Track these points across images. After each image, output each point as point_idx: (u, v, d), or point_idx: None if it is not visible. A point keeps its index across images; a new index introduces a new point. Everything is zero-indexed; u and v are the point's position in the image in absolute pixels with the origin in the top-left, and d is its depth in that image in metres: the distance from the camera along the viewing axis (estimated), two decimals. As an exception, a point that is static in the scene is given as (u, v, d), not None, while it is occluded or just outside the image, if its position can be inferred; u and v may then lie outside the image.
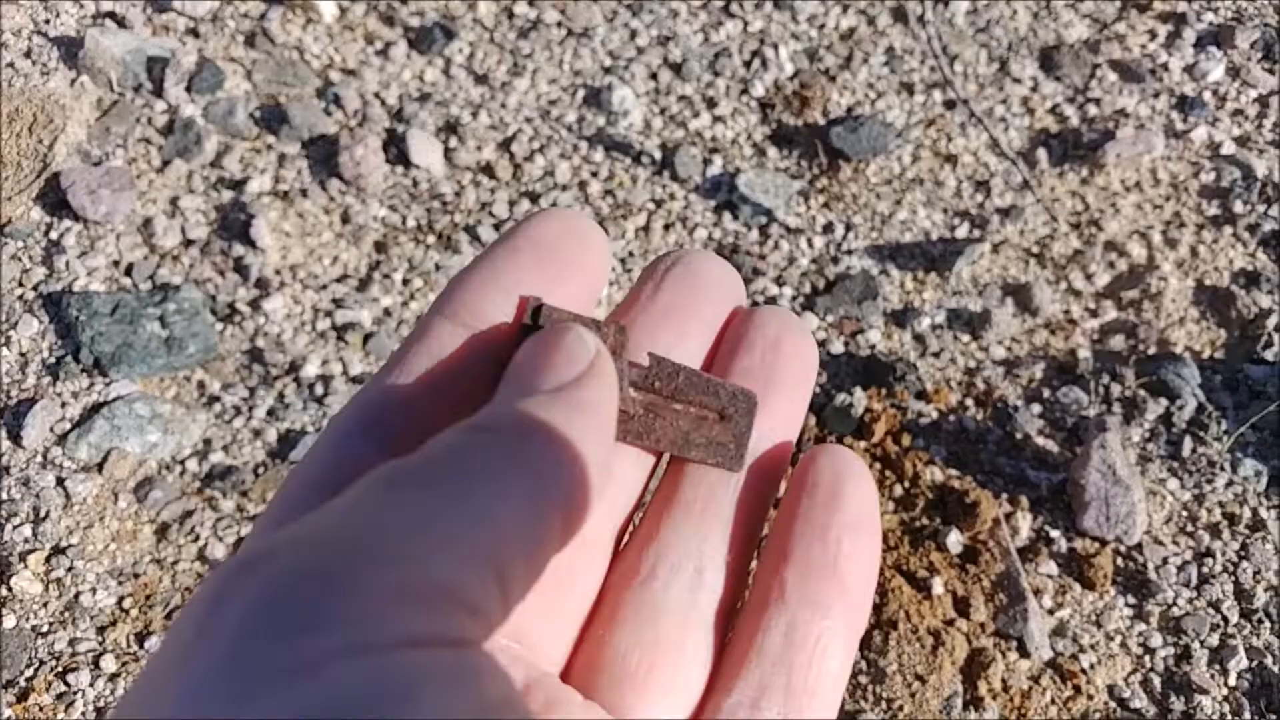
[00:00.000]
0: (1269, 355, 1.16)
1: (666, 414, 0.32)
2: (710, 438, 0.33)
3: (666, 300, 0.33)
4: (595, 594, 0.32)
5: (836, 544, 0.31)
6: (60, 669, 0.90)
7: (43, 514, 0.97)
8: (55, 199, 1.14)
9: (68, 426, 1.02)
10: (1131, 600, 1.01)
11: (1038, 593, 1.00)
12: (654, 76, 1.30)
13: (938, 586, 0.98)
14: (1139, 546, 1.04)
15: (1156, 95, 1.34)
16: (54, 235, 1.12)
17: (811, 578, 0.31)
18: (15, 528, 0.96)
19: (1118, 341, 1.17)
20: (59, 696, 0.89)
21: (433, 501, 0.24)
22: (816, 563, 0.31)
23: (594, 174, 1.22)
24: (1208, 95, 1.35)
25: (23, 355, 1.05)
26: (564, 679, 0.31)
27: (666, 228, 1.19)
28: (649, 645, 0.31)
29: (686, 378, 0.33)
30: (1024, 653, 0.97)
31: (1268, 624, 1.00)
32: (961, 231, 1.22)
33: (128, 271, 1.11)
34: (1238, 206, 1.26)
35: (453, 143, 1.22)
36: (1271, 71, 1.37)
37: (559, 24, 1.34)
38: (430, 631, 0.22)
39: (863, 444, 1.07)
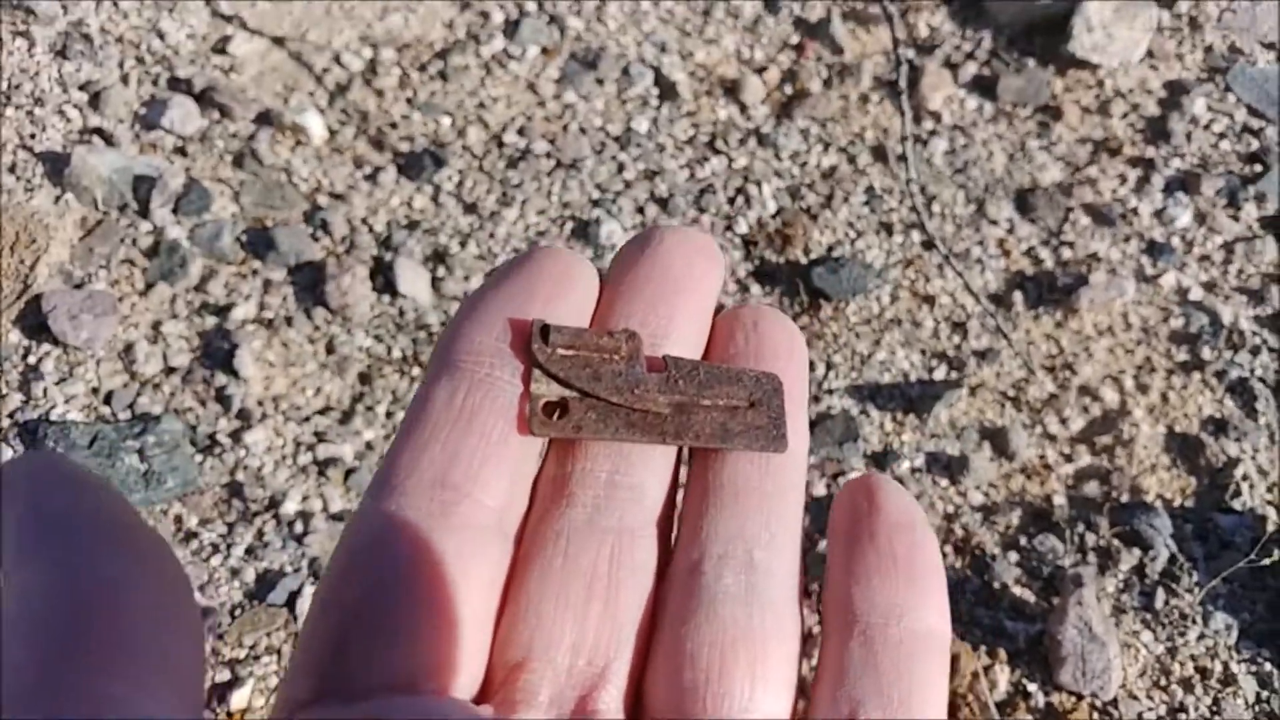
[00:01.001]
0: (1237, 505, 1.18)
1: (698, 410, 0.32)
2: (748, 424, 0.33)
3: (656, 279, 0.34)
4: (648, 602, 0.31)
5: (890, 546, 0.31)
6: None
7: None
8: (35, 322, 1.13)
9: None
10: (1108, 759, 1.01)
11: (1016, 751, 1.01)
12: (640, 210, 1.32)
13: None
14: (1114, 701, 1.04)
15: (1127, 239, 1.38)
16: (32, 360, 1.11)
17: (874, 584, 0.30)
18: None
19: (1092, 488, 1.18)
20: None
21: None
22: (874, 569, 0.31)
23: (579, 308, 1.23)
24: (1176, 240, 1.39)
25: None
26: (638, 690, 0.30)
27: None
28: (715, 641, 0.30)
29: (707, 372, 0.33)
30: (1003, 814, 0.97)
31: (1241, 785, 1.01)
32: (939, 373, 1.24)
33: (107, 400, 1.09)
34: (1205, 352, 1.29)
35: (440, 272, 1.23)
36: (1236, 218, 1.41)
37: (548, 154, 1.35)
38: None
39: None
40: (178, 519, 1.04)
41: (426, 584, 0.29)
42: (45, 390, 1.09)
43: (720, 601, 0.30)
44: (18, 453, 1.05)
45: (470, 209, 1.29)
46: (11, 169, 1.23)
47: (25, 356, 1.11)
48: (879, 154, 1.41)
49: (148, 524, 0.23)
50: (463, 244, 1.26)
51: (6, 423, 1.07)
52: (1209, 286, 1.35)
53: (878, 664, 0.29)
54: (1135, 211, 1.41)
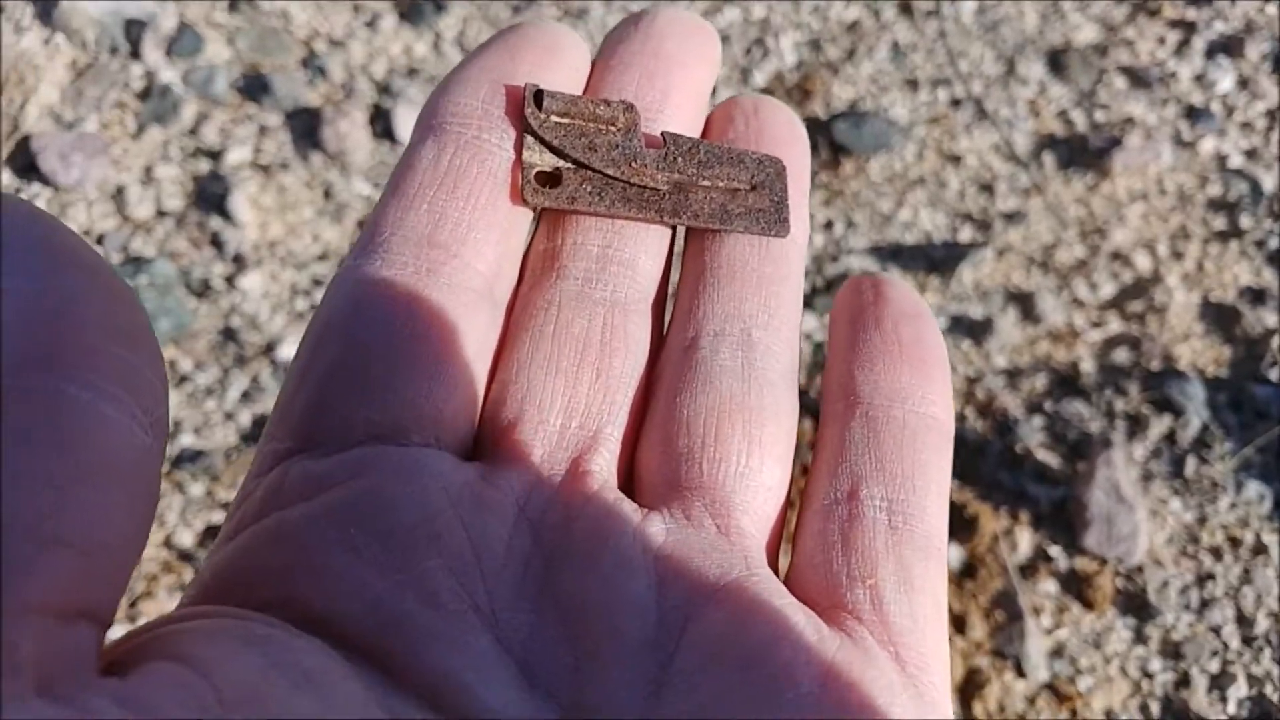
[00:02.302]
0: (1273, 375, 1.13)
1: (697, 190, 0.31)
2: (749, 206, 0.31)
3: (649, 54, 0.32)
4: (641, 377, 0.30)
5: (894, 331, 0.30)
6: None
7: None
8: (25, 163, 1.08)
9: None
10: (1131, 622, 0.98)
11: (1036, 612, 0.97)
12: (654, 61, 1.26)
13: (935, 602, 0.95)
14: (1139, 568, 1.01)
15: (1165, 103, 1.31)
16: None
17: (878, 368, 0.30)
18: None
19: (1122, 355, 1.14)
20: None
21: None
22: (879, 353, 0.30)
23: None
24: (1216, 106, 1.32)
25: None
26: (631, 461, 0.29)
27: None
28: (712, 409, 0.29)
29: (707, 151, 0.31)
30: (1020, 673, 0.94)
31: (1268, 651, 0.97)
32: (965, 234, 1.19)
33: (99, 242, 1.05)
34: (1245, 221, 1.23)
35: (443, 121, 1.17)
36: (1281, 85, 1.34)
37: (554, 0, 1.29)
38: None
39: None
40: (171, 362, 1.00)
41: (413, 339, 0.27)
42: (32, 231, 1.05)
43: (717, 375, 0.29)
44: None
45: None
46: (0, 10, 1.18)
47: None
48: (904, 8, 1.34)
49: (93, 249, 0.22)
50: (468, 93, 1.20)
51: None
52: (1250, 154, 1.29)
53: (880, 442, 0.29)
54: (1174, 75, 1.34)
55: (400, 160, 0.30)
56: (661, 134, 0.31)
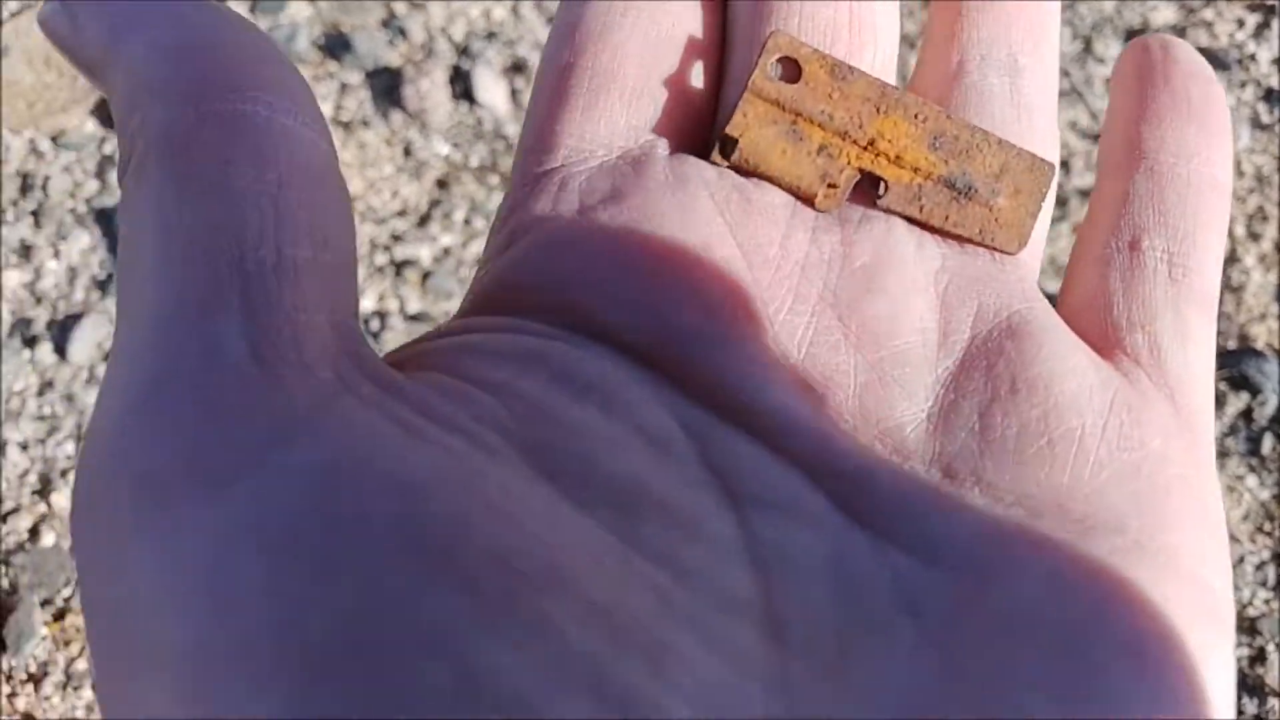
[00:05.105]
0: (1352, 357, 1.12)
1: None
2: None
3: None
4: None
5: (1184, 90, 0.28)
6: (97, 593, 0.87)
7: (88, 431, 0.93)
8: (107, 114, 1.10)
9: (114, 345, 0.98)
10: (1207, 596, 0.97)
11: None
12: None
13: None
14: (1215, 542, 1.00)
15: (1243, 85, 1.30)
16: (107, 149, 1.08)
17: (1165, 124, 0.28)
18: (59, 443, 0.92)
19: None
20: (94, 621, 0.86)
21: None
22: (1167, 110, 0.28)
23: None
24: (1295, 89, 1.31)
25: (71, 269, 1.01)
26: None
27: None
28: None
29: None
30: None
31: (1346, 630, 0.96)
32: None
33: (182, 191, 1.06)
34: (1323, 204, 1.22)
35: (519, 83, 1.18)
36: (1362, 69, 1.32)
37: (634, -30, 1.29)
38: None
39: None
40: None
41: (664, 43, 0.28)
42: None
43: (988, 100, 0.29)
44: (94, 236, 1.02)
45: (551, 20, 1.24)
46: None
47: (101, 145, 1.08)
48: (983, -14, 1.34)
49: None
50: (545, 57, 1.21)
51: (83, 208, 1.04)
52: (1329, 137, 1.27)
53: (1164, 196, 0.28)
54: (1253, 58, 1.33)
55: None
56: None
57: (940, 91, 0.29)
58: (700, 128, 0.29)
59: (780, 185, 0.28)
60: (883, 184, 0.28)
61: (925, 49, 0.30)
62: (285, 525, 0.17)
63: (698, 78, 0.29)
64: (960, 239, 0.28)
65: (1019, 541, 0.23)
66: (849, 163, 0.28)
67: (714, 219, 0.26)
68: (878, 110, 0.28)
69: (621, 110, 0.27)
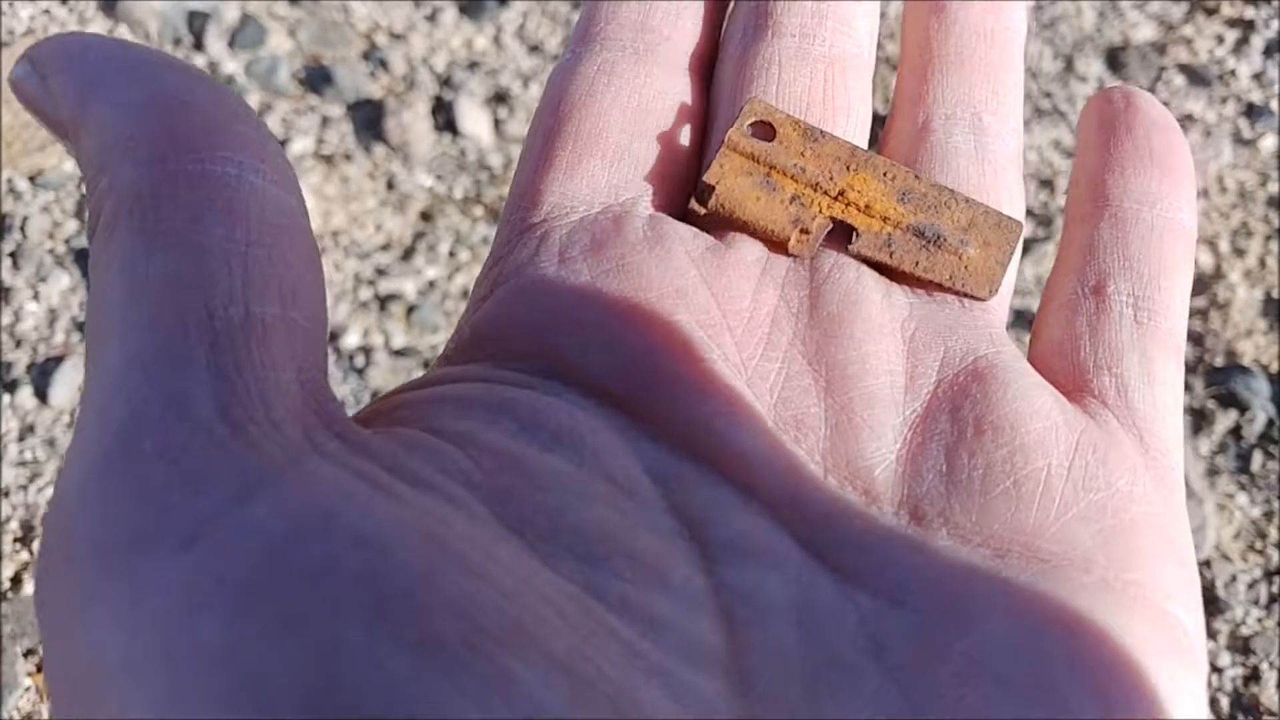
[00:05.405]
0: (1339, 371, 1.12)
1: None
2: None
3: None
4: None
5: (1146, 138, 0.30)
6: (82, 640, 0.85)
7: (53, 492, 0.92)
8: (88, 151, 1.09)
9: (96, 387, 0.97)
10: (1201, 617, 0.97)
11: (1105, 605, 0.96)
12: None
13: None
14: (1207, 563, 1.00)
15: (1224, 101, 1.31)
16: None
17: (1128, 172, 0.29)
18: (40, 490, 0.91)
19: (1185, 351, 1.13)
20: (80, 669, 0.84)
21: None
22: (1129, 158, 0.30)
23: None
24: (1275, 104, 1.31)
25: (51, 311, 1.00)
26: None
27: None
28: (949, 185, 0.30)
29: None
30: (1090, 667, 0.93)
31: (1340, 648, 0.96)
32: (1026, 229, 1.18)
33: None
34: (1306, 218, 1.22)
35: (502, 113, 1.18)
36: (1341, 83, 1.33)
37: (615, -3, 1.29)
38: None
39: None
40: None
41: (640, 113, 0.29)
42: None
43: (952, 157, 0.30)
44: (74, 277, 1.02)
45: (534, 50, 1.24)
46: (64, 1, 1.19)
47: (80, 184, 1.07)
48: (963, 6, 1.34)
49: (170, 55, 0.24)
50: (525, 85, 1.21)
51: (62, 248, 1.04)
52: (1310, 151, 1.28)
53: (1128, 241, 0.29)
54: (1233, 73, 1.33)
55: None
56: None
57: (908, 150, 0.30)
58: (682, 191, 0.30)
59: (754, 231, 0.28)
60: (854, 232, 0.29)
61: (893, 110, 0.31)
62: (245, 580, 0.17)
63: (681, 142, 0.29)
64: (931, 285, 0.29)
65: (985, 582, 0.23)
66: (820, 211, 0.28)
67: (689, 270, 0.26)
68: (848, 168, 0.29)
69: (603, 170, 0.28)
